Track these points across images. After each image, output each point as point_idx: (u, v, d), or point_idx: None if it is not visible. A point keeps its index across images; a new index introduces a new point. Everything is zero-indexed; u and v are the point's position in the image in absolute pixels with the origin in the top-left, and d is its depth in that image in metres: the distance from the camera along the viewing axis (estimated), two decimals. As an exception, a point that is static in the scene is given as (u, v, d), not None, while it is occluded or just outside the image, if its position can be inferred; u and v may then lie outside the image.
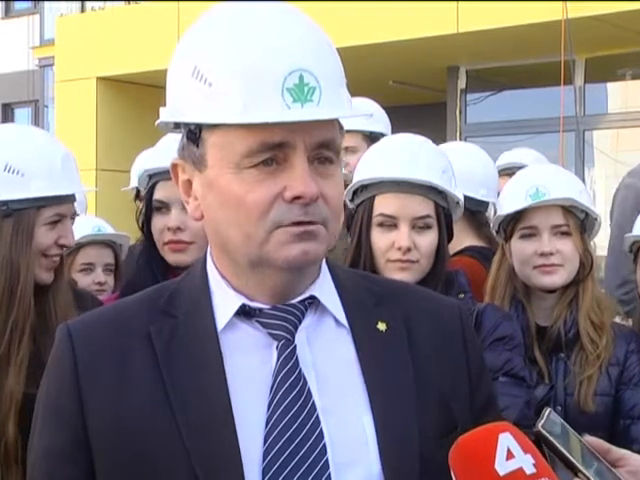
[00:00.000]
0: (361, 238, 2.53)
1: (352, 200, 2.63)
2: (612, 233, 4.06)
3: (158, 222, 2.63)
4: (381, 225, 2.52)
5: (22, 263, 2.38)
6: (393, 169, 2.52)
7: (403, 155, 2.57)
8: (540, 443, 1.46)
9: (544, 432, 1.47)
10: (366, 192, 2.55)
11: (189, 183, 1.45)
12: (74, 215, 2.56)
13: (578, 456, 1.48)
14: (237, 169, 1.37)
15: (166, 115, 1.45)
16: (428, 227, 2.52)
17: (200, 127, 1.40)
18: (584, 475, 1.46)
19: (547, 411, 1.53)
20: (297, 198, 1.36)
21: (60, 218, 2.45)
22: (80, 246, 3.68)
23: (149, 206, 2.65)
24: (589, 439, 1.54)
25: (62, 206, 2.46)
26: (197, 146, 1.41)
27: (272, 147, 1.35)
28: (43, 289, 2.46)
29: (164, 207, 2.62)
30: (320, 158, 1.39)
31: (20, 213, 2.39)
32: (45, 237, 2.42)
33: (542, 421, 1.49)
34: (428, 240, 2.51)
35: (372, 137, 3.91)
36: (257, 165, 1.36)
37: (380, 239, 2.51)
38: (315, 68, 1.36)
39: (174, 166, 1.47)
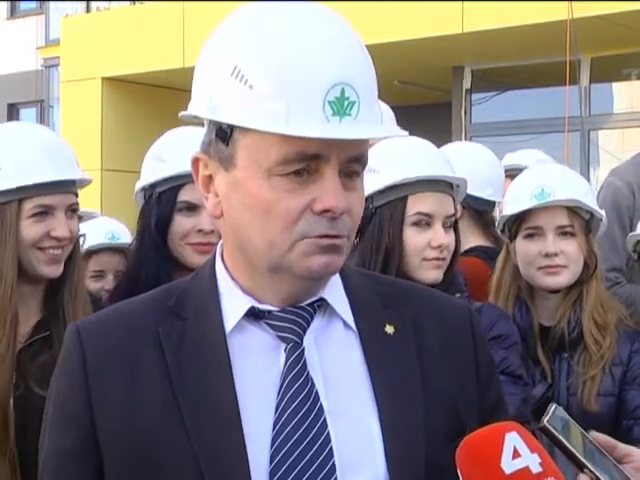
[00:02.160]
0: (393, 238, 2.52)
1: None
2: None
3: (186, 222, 2.60)
4: (416, 224, 2.52)
5: (6, 257, 2.34)
6: (428, 168, 2.53)
7: (429, 154, 2.60)
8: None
9: (550, 427, 1.46)
10: (393, 192, 2.54)
11: (210, 179, 1.44)
12: (73, 207, 2.45)
13: (584, 452, 1.48)
14: (268, 175, 1.36)
15: (198, 110, 1.42)
16: (452, 225, 2.56)
17: (232, 127, 1.38)
18: (590, 471, 1.45)
19: (553, 406, 1.52)
20: (326, 211, 1.36)
21: (46, 210, 2.38)
22: (91, 252, 3.68)
23: (172, 207, 2.62)
24: (595, 435, 1.54)
25: (46, 197, 2.37)
26: (227, 145, 1.39)
27: (307, 158, 1.35)
28: (56, 288, 2.44)
29: (191, 208, 2.61)
30: (348, 171, 1.39)
31: (2, 207, 2.35)
32: (30, 230, 2.37)
33: (548, 416, 1.48)
34: (453, 238, 2.56)
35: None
36: (289, 174, 1.35)
37: (416, 238, 2.51)
38: (356, 82, 1.35)
39: (195, 160, 1.45)
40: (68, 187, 2.44)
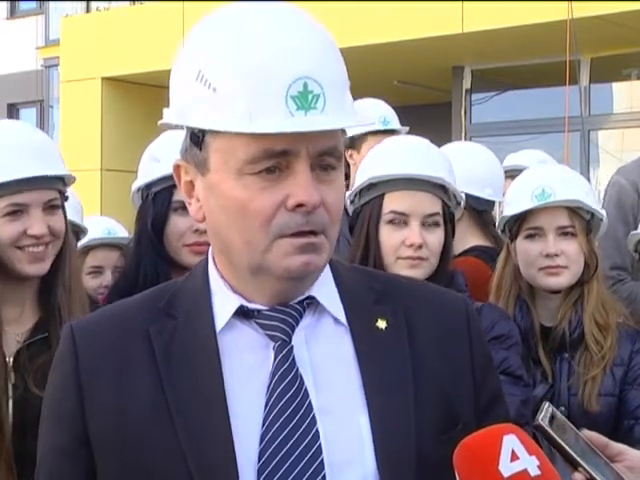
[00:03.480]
0: (370, 236, 2.53)
1: (352, 201, 2.64)
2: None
3: (181, 223, 2.61)
4: (391, 222, 2.53)
5: None
6: (405, 166, 2.53)
7: (413, 153, 2.60)
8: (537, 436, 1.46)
9: (544, 426, 1.47)
10: (374, 190, 2.56)
11: (191, 184, 1.46)
12: (52, 202, 2.40)
13: (577, 450, 1.49)
14: (239, 175, 1.37)
15: (170, 117, 1.46)
16: (437, 225, 2.54)
17: (204, 131, 1.40)
18: (584, 469, 1.46)
19: (546, 405, 1.53)
20: (299, 206, 1.36)
21: (20, 208, 2.35)
22: (89, 248, 3.68)
23: (168, 206, 2.63)
24: (587, 433, 1.55)
25: (19, 195, 2.34)
26: (200, 149, 1.41)
27: (275, 155, 1.35)
28: (48, 286, 2.43)
29: (187, 207, 2.60)
30: (322, 165, 1.39)
31: None
32: (6, 229, 2.34)
33: (542, 415, 1.50)
34: (437, 238, 2.54)
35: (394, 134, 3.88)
36: (260, 172, 1.36)
37: (390, 236, 2.52)
38: (319, 75, 1.35)
39: (177, 167, 1.48)
40: (45, 183, 2.39)
